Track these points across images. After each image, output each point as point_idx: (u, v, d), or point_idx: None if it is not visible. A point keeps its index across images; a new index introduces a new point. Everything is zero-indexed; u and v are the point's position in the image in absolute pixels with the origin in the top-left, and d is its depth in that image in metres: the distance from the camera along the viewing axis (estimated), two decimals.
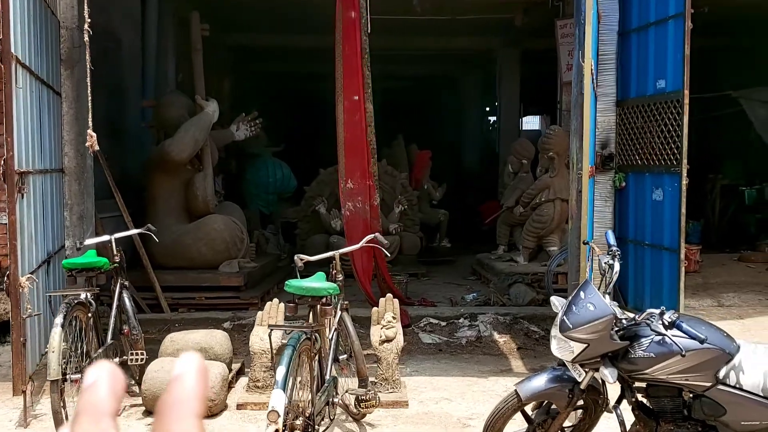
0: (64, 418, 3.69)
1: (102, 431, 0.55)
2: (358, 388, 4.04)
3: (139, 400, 4.51)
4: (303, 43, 11.98)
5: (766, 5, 9.52)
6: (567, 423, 3.56)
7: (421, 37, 12.16)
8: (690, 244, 8.87)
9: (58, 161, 6.00)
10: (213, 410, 4.40)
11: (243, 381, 4.96)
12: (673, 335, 2.96)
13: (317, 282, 3.46)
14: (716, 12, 9.30)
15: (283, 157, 11.43)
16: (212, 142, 8.03)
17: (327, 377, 3.67)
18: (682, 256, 5.78)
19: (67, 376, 3.76)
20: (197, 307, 7.10)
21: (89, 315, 3.99)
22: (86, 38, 4.43)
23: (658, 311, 3.07)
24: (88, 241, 4.81)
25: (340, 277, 4.07)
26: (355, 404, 4.08)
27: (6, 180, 4.32)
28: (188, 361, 0.58)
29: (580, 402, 3.41)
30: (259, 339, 4.63)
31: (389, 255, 4.80)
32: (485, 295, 7.60)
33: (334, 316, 4.02)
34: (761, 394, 2.92)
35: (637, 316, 3.16)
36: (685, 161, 5.75)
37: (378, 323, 4.80)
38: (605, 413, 3.41)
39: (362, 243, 4.24)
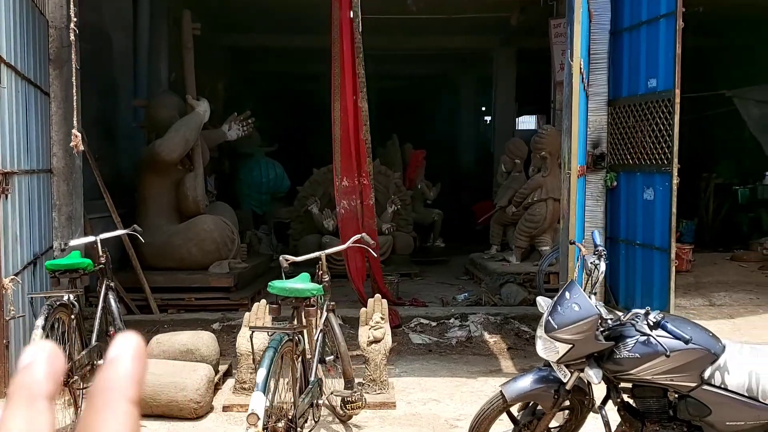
0: None
1: (36, 413, 0.51)
2: (344, 389, 4.01)
3: None
4: (298, 43, 11.96)
5: (760, 4, 9.51)
6: (554, 423, 3.54)
7: (416, 37, 12.14)
8: (683, 244, 8.87)
9: (47, 162, 5.96)
10: (198, 412, 4.36)
11: (230, 382, 4.93)
12: (657, 335, 2.93)
13: (301, 283, 3.43)
14: (711, 11, 9.30)
15: (276, 157, 11.40)
16: (203, 142, 7.99)
17: (312, 379, 3.63)
18: (673, 255, 5.77)
19: None
20: (187, 308, 7.07)
21: (72, 317, 3.95)
22: (72, 37, 4.39)
23: (643, 311, 3.04)
24: (73, 242, 4.77)
25: (327, 277, 4.04)
26: (341, 406, 4.05)
27: None
28: (125, 342, 0.54)
29: (566, 403, 3.39)
30: (246, 340, 4.59)
31: (376, 255, 4.76)
32: (477, 295, 7.58)
33: (320, 317, 3.99)
34: (746, 394, 2.90)
35: (622, 317, 3.14)
36: (675, 161, 5.73)
37: (366, 324, 4.77)
38: (592, 414, 3.39)
39: (348, 243, 4.21)
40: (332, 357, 4.15)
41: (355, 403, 3.99)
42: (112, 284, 4.69)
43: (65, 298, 3.90)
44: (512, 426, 3.51)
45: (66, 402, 4.00)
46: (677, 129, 5.67)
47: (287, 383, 3.34)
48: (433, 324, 6.48)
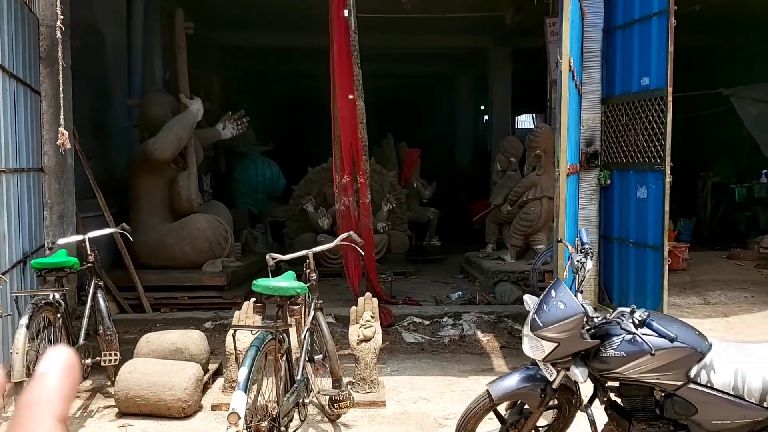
0: None
1: None
2: (332, 388, 3.99)
3: (113, 401, 4.45)
4: (294, 42, 11.94)
5: (754, 3, 9.48)
6: (543, 422, 3.52)
7: (412, 36, 12.12)
8: (679, 242, 8.85)
9: (37, 160, 5.94)
10: (187, 411, 4.34)
11: (220, 381, 4.90)
12: (643, 334, 2.91)
13: (285, 281, 3.41)
14: (709, 11, 9.28)
15: (272, 156, 11.38)
16: (197, 140, 7.97)
17: (298, 378, 3.61)
18: (666, 253, 5.74)
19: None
20: (180, 307, 7.05)
21: (58, 315, 3.93)
22: (59, 35, 4.37)
23: (629, 310, 3.02)
24: (61, 241, 4.76)
25: (314, 276, 4.01)
26: (328, 405, 4.04)
27: None
28: (55, 358, 0.52)
29: (554, 401, 3.37)
30: (236, 339, 4.57)
31: (363, 253, 4.74)
32: (471, 294, 7.55)
33: (308, 316, 3.97)
34: (732, 392, 2.87)
35: (608, 315, 3.12)
36: (668, 159, 5.71)
37: (356, 323, 4.75)
38: (580, 413, 3.37)
39: (336, 242, 4.19)
40: (321, 356, 4.13)
41: (342, 402, 3.97)
42: (100, 283, 4.68)
43: (51, 296, 3.88)
44: (500, 425, 3.49)
45: None
46: (670, 127, 5.64)
47: (270, 383, 3.32)
48: (426, 323, 6.46)
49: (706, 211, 11.80)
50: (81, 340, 4.35)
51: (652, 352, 2.85)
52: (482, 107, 17.61)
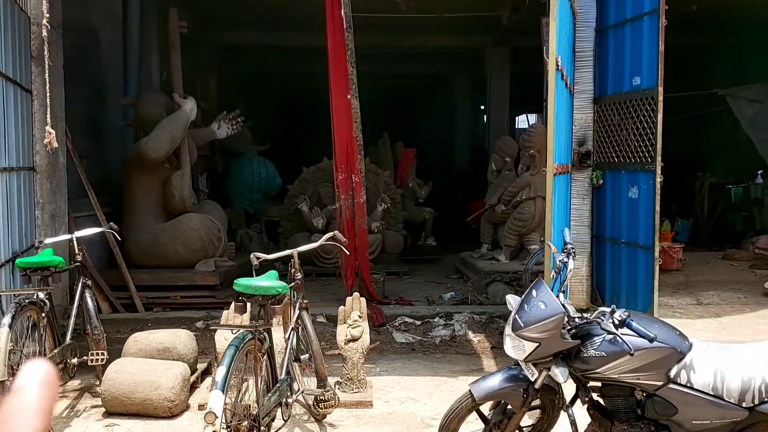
0: None
1: None
2: (317, 388, 3.99)
3: (100, 401, 4.45)
4: (291, 41, 11.94)
5: (749, 3, 9.47)
6: (529, 421, 3.52)
7: (410, 36, 12.11)
8: (675, 243, 8.84)
9: (28, 159, 5.95)
10: (173, 411, 4.34)
11: (209, 381, 4.89)
12: (623, 334, 2.90)
13: (266, 280, 3.40)
14: (707, 11, 9.27)
15: (269, 155, 11.39)
16: (191, 140, 7.97)
17: (281, 377, 3.61)
18: (656, 254, 5.73)
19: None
20: (172, 307, 7.05)
21: (43, 315, 3.93)
22: (44, 33, 4.36)
23: (609, 310, 3.01)
24: (48, 240, 4.76)
25: (299, 275, 4.01)
26: (313, 404, 4.03)
27: None
28: (32, 371, 0.51)
29: (537, 402, 3.36)
30: (224, 339, 4.56)
31: (347, 252, 4.73)
32: (463, 294, 7.54)
33: (293, 315, 3.97)
34: (711, 393, 2.86)
35: (589, 315, 3.11)
36: (659, 159, 5.70)
37: (345, 322, 4.75)
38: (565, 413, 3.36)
39: (320, 242, 4.18)
40: (307, 355, 4.12)
41: (327, 402, 3.97)
42: (88, 282, 4.68)
43: (35, 296, 3.88)
44: (483, 425, 3.48)
45: None
46: (660, 127, 5.63)
47: (252, 382, 3.31)
48: (418, 323, 6.45)
49: (703, 212, 11.78)
50: (68, 339, 4.35)
51: (631, 352, 2.85)
52: (482, 107, 17.61)
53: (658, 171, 5.69)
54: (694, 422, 2.93)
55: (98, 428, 4.23)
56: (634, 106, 6.01)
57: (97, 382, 4.76)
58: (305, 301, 4.07)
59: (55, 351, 4.08)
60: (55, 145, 4.48)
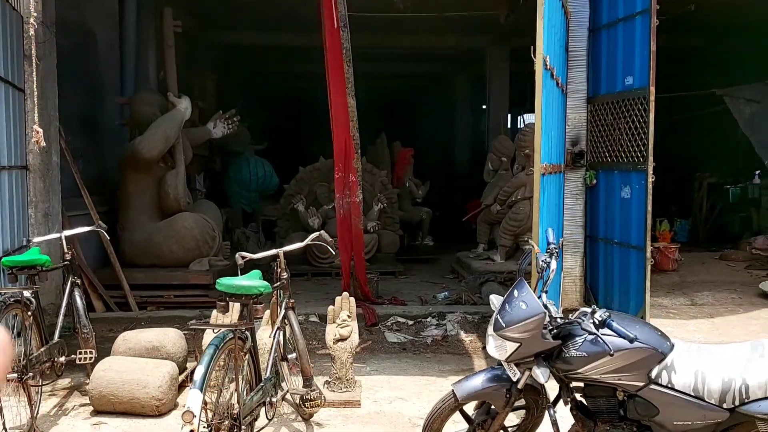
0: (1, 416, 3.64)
1: None
2: (303, 387, 3.99)
3: (88, 400, 4.46)
4: (289, 41, 11.94)
5: (746, 3, 9.44)
6: (515, 421, 3.51)
7: (408, 36, 12.10)
8: (672, 243, 8.81)
9: (21, 158, 5.96)
10: (161, 409, 4.34)
11: None
12: (604, 334, 2.89)
13: (249, 280, 3.41)
14: (706, 11, 9.24)
15: (267, 155, 11.40)
16: (186, 139, 7.98)
17: (265, 376, 3.61)
18: (648, 254, 5.71)
19: None
20: (166, 306, 7.06)
21: (29, 313, 3.93)
22: (32, 32, 4.37)
23: (590, 310, 3.00)
24: (38, 239, 4.77)
25: (285, 275, 4.01)
26: (299, 404, 4.03)
27: None
28: None
29: (521, 402, 3.35)
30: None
31: (334, 252, 4.73)
32: (457, 294, 7.53)
33: (279, 315, 3.97)
34: (692, 393, 2.86)
35: (571, 315, 3.11)
36: (651, 159, 5.68)
37: (334, 322, 4.75)
38: None
39: (306, 241, 4.18)
40: (294, 355, 4.12)
41: (313, 402, 3.97)
42: (77, 281, 4.69)
43: (21, 294, 3.89)
44: (467, 425, 3.48)
45: (20, 398, 3.98)
46: (652, 127, 5.62)
47: (235, 382, 3.31)
48: (410, 323, 6.45)
49: (701, 212, 11.75)
50: (56, 338, 4.36)
51: (611, 352, 2.84)
52: (483, 107, 17.59)
53: (650, 171, 5.67)
54: (675, 423, 2.92)
55: (86, 427, 4.24)
56: (626, 105, 6.00)
57: (87, 381, 4.76)
58: (292, 301, 4.07)
59: (42, 350, 4.09)
60: (43, 143, 4.48)
